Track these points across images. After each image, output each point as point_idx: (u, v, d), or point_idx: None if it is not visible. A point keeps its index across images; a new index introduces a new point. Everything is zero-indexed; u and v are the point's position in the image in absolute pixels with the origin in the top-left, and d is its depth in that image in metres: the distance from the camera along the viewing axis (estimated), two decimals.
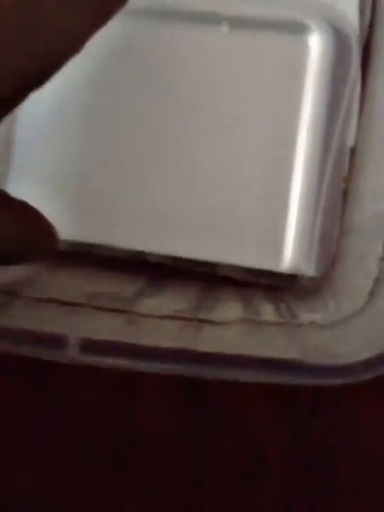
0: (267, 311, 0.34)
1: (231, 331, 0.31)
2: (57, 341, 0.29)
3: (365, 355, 0.29)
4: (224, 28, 0.37)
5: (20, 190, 0.34)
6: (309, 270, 0.36)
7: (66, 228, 0.34)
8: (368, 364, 0.29)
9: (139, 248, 0.36)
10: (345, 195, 0.37)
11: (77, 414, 0.37)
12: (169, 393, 0.36)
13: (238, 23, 0.37)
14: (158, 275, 0.37)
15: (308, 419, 0.36)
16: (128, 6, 0.33)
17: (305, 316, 0.34)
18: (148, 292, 0.35)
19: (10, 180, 0.38)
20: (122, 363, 0.29)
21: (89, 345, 0.29)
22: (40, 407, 0.36)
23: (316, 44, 0.36)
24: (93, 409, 0.37)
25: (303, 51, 0.36)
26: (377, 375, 0.29)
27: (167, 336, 0.30)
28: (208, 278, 0.37)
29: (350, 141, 0.37)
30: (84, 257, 0.36)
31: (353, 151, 0.37)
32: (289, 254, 0.36)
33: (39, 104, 0.36)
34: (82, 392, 0.37)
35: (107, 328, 0.30)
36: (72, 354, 0.29)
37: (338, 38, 0.37)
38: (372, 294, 0.33)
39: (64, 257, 0.36)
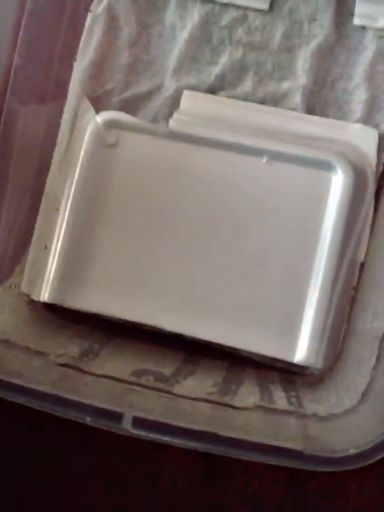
0: (280, 399, 0.40)
1: (250, 418, 0.38)
2: (115, 417, 0.36)
3: (352, 451, 0.36)
4: (264, 159, 0.44)
5: (88, 273, 0.42)
6: (318, 363, 0.42)
7: (121, 308, 0.43)
8: (353, 459, 0.36)
9: (178, 331, 0.43)
10: (353, 301, 0.43)
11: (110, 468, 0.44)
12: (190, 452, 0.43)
13: (275, 156, 0.44)
14: (193, 350, 0.44)
15: (304, 482, 0.44)
16: (188, 135, 0.42)
17: (309, 406, 0.40)
18: (184, 373, 0.42)
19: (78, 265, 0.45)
20: (164, 438, 0.36)
21: (140, 422, 0.36)
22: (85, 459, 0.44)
23: (338, 180, 0.43)
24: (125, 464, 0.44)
25: (327, 185, 0.44)
26: (360, 466, 0.36)
27: (200, 419, 0.37)
28: (233, 357, 0.44)
29: (360, 257, 0.44)
30: (132, 330, 0.44)
31: (363, 265, 0.44)
32: (302, 348, 0.43)
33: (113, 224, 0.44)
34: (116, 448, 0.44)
35: (153, 408, 0.37)
36: (126, 428, 0.36)
37: (357, 174, 0.43)
38: (363, 395, 0.39)
39: (118, 330, 0.43)
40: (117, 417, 0.36)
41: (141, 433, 0.36)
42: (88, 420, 0.36)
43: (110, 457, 0.44)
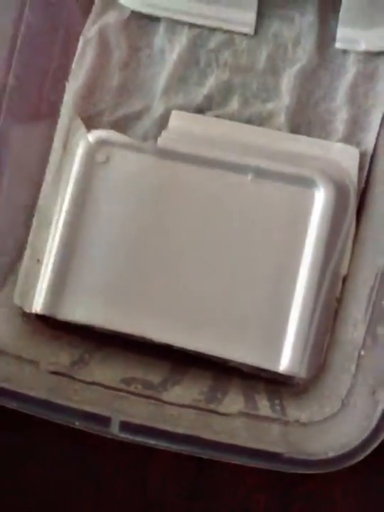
0: (264, 407, 0.42)
1: (234, 423, 0.39)
2: (103, 421, 0.38)
3: (331, 454, 0.37)
4: (249, 176, 0.45)
5: (79, 286, 0.44)
6: (302, 372, 0.44)
7: (111, 320, 0.44)
8: (332, 462, 0.37)
9: (167, 342, 0.44)
10: (336, 313, 0.45)
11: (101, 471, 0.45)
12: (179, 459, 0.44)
13: (260, 173, 0.45)
14: (181, 360, 0.45)
15: (290, 488, 0.44)
16: (177, 152, 0.44)
17: (292, 414, 0.41)
18: (172, 381, 0.43)
19: (70, 278, 0.46)
20: (150, 441, 0.37)
21: (127, 426, 0.37)
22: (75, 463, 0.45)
23: (320, 196, 0.45)
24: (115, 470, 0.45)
25: (310, 201, 0.45)
26: (340, 470, 0.37)
27: (186, 424, 0.38)
28: (220, 367, 0.45)
29: (343, 271, 0.45)
30: (122, 340, 0.45)
31: (345, 279, 0.45)
32: (286, 358, 0.44)
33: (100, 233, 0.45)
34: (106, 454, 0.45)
35: (140, 413, 0.38)
36: (113, 431, 0.37)
37: (339, 190, 0.45)
38: (343, 403, 0.40)
39: (107, 340, 0.45)
40: (105, 420, 0.37)
41: (128, 436, 0.36)
42: (76, 424, 0.36)
43: (100, 463, 0.45)
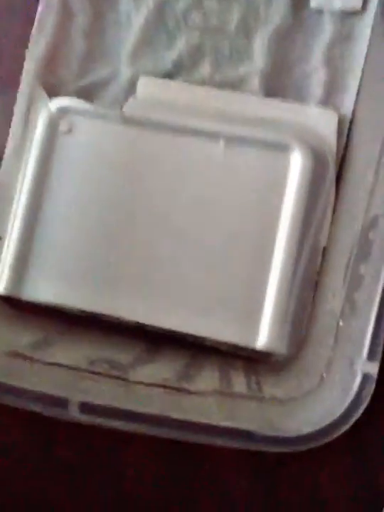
0: (239, 384, 0.39)
1: (206, 402, 0.37)
2: (61, 403, 0.35)
3: (309, 430, 0.34)
4: (221, 143, 0.43)
5: (43, 264, 0.41)
6: (281, 349, 0.42)
7: (79, 299, 0.42)
8: (310, 438, 0.35)
9: (138, 320, 0.42)
10: (316, 286, 0.42)
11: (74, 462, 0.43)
12: (154, 443, 0.42)
13: (233, 140, 0.43)
14: (155, 341, 0.43)
15: (272, 471, 0.42)
16: (144, 120, 0.41)
17: (269, 390, 0.39)
18: (142, 361, 0.40)
19: (34, 255, 0.44)
20: (115, 424, 0.35)
21: (88, 408, 0.35)
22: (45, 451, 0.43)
23: (296, 162, 0.42)
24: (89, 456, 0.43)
25: (285, 167, 0.43)
26: (315, 446, 0.35)
27: (154, 404, 0.36)
28: (197, 348, 0.43)
29: (323, 242, 0.43)
30: (91, 320, 0.43)
31: (325, 250, 0.43)
32: (265, 334, 0.42)
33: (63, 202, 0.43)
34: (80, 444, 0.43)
35: (104, 393, 0.36)
36: (73, 414, 0.35)
37: (316, 157, 0.42)
38: (323, 378, 0.38)
39: (76, 321, 0.42)
40: (63, 402, 0.34)
41: (89, 418, 0.34)
42: (32, 407, 0.34)
43: (73, 452, 0.43)
